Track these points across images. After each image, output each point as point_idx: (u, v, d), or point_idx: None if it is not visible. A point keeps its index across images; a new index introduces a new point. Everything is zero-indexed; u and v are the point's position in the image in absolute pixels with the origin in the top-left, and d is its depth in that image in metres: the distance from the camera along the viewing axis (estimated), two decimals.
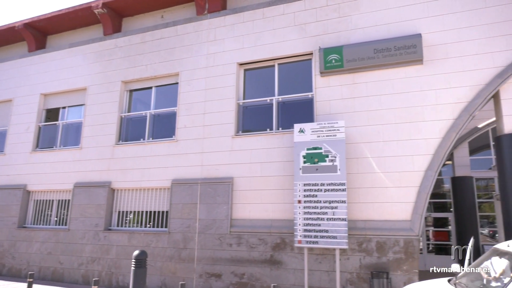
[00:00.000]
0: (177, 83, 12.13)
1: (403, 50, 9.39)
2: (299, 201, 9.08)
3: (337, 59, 9.89)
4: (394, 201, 8.93)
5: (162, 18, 13.15)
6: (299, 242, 8.92)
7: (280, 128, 10.59)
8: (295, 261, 9.43)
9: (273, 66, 11.16)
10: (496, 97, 9.01)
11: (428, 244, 15.53)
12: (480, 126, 14.84)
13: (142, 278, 7.88)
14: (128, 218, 11.99)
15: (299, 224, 8.97)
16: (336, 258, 8.76)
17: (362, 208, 9.12)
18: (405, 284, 8.23)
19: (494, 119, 9.57)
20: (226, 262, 10.09)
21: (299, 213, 9.02)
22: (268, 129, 10.71)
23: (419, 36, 9.36)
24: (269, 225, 9.87)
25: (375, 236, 8.88)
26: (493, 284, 5.51)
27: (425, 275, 8.41)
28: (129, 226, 11.93)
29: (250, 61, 11.25)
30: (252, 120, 11.21)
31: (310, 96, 10.43)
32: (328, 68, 10.00)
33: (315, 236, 8.77)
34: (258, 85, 11.41)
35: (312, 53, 10.50)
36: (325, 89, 10.10)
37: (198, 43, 11.94)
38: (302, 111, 10.52)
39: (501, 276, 5.46)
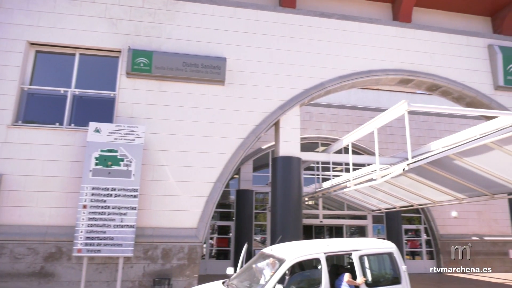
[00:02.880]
0: None
1: (209, 69, 10.07)
2: (85, 206, 8.31)
3: (145, 63, 9.73)
4: (183, 209, 9.29)
5: None
6: (79, 251, 8.13)
7: (73, 124, 9.54)
8: (72, 272, 8.51)
9: (74, 55, 10.04)
10: (277, 125, 10.71)
11: (211, 250, 16.80)
12: (263, 147, 17.31)
13: None
14: None
15: (81, 231, 8.18)
16: (119, 267, 8.39)
17: (152, 216, 9.10)
18: None
19: (274, 143, 11.35)
20: None
21: (83, 219, 8.24)
22: (57, 124, 9.47)
23: (224, 59, 10.25)
24: (44, 232, 8.61)
25: (162, 243, 8.98)
26: (257, 283, 6.39)
27: (205, 279, 9.00)
28: None
29: (46, 43, 9.79)
30: (38, 110, 9.71)
31: (112, 95, 9.84)
32: (136, 70, 9.71)
33: (98, 244, 8.18)
34: (53, 72, 10.03)
35: (120, 51, 9.99)
36: (130, 91, 9.75)
37: None
38: (101, 110, 9.80)
39: (264, 276, 6.39)
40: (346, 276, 6.15)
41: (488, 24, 13.35)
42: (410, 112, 7.60)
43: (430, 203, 11.64)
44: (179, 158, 9.58)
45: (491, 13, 13.18)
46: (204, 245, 16.11)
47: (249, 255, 12.31)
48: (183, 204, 9.32)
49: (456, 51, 12.29)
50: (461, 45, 12.41)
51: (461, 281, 15.19)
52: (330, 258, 6.52)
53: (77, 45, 9.89)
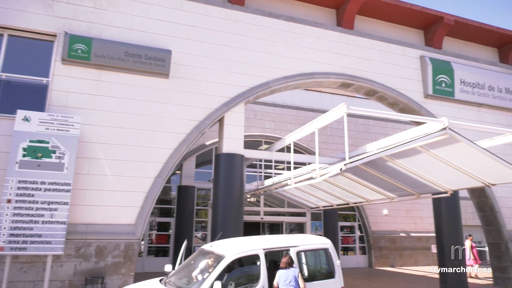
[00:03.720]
0: None
1: (153, 61, 9.76)
2: (9, 201, 7.66)
3: (84, 50, 9.17)
4: (121, 205, 8.92)
5: None
6: (1, 249, 7.47)
7: None
8: None
9: (2, 35, 9.19)
10: (221, 121, 10.66)
11: (150, 247, 16.34)
12: (207, 143, 17.15)
13: None
14: None
15: (4, 228, 7.53)
16: (47, 266, 7.85)
17: (86, 211, 8.63)
18: None
19: (217, 139, 11.29)
20: None
21: (7, 215, 7.59)
22: None
23: (169, 52, 9.99)
24: None
25: (96, 241, 8.56)
26: (196, 279, 6.33)
27: (142, 277, 8.73)
28: None
29: None
30: None
31: (45, 82, 9.15)
32: (73, 57, 9.13)
33: (24, 242, 7.58)
34: None
35: (56, 35, 9.32)
36: (65, 79, 9.13)
37: None
38: (31, 97, 9.08)
39: (203, 272, 6.35)
40: (297, 271, 6.24)
41: (421, 36, 14.39)
42: (349, 115, 7.96)
43: (364, 201, 12.32)
44: (118, 151, 9.18)
45: (424, 27, 14.22)
46: (142, 242, 15.63)
47: (189, 252, 12.18)
48: (120, 199, 8.95)
49: (392, 59, 13.10)
50: (397, 54, 13.25)
51: (390, 275, 16.28)
52: (270, 254, 6.65)
53: (5, 25, 9.06)
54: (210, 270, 6.16)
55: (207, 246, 7.17)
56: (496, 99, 14.36)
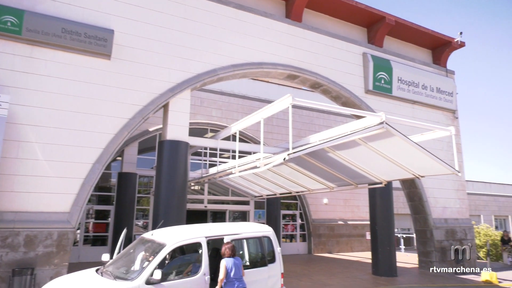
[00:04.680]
0: None
1: (94, 40, 9.20)
2: None
3: (14, 23, 8.39)
4: (55, 192, 8.40)
5: None
6: None
7: None
8: None
9: None
10: (166, 107, 10.38)
11: (87, 236, 15.61)
12: (151, 129, 16.62)
13: None
14: None
15: None
16: None
17: (15, 198, 8.02)
18: (51, 279, 7.80)
19: (162, 126, 10.98)
20: None
21: None
22: None
23: (111, 32, 9.47)
24: None
25: (26, 229, 7.99)
26: (135, 268, 6.16)
27: (77, 267, 8.33)
28: None
29: None
30: None
31: None
32: (1, 30, 8.31)
33: None
34: None
35: None
36: None
37: None
38: None
39: (143, 261, 6.20)
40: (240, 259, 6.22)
41: (365, 34, 15.02)
42: (294, 106, 8.12)
43: (306, 190, 12.74)
44: (52, 135, 8.58)
45: (367, 25, 14.85)
46: (78, 231, 14.90)
47: (128, 241, 11.82)
48: (54, 186, 8.41)
49: (337, 54, 13.55)
50: (342, 49, 13.72)
51: (327, 260, 17.09)
52: (212, 242, 6.65)
53: None
54: (150, 259, 6.03)
55: (148, 235, 7.00)
56: (428, 98, 15.48)
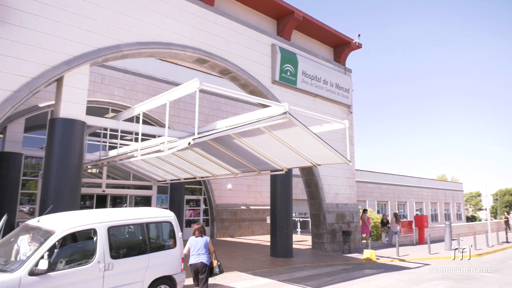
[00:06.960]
0: None
1: None
2: None
3: None
4: None
5: None
6: None
7: None
8: None
9: None
10: (59, 82, 9.38)
11: None
12: (41, 105, 14.90)
13: None
14: None
15: None
16: None
17: None
18: None
19: (54, 102, 9.89)
20: None
21: None
22: None
23: None
24: None
25: None
26: (19, 258, 5.53)
27: None
28: None
29: None
30: None
31: None
32: None
33: None
34: None
35: None
36: None
37: None
38: None
39: (27, 250, 5.59)
40: (208, 238, 7.35)
41: (274, 26, 15.47)
42: (202, 91, 8.01)
43: (210, 176, 12.80)
44: None
45: (277, 17, 15.31)
46: None
47: (10, 228, 10.57)
48: None
49: (247, 43, 13.73)
50: (252, 38, 13.94)
51: (229, 244, 17.51)
52: (110, 229, 6.29)
53: None
54: (35, 248, 5.48)
55: (33, 221, 6.34)
56: (328, 92, 16.68)
